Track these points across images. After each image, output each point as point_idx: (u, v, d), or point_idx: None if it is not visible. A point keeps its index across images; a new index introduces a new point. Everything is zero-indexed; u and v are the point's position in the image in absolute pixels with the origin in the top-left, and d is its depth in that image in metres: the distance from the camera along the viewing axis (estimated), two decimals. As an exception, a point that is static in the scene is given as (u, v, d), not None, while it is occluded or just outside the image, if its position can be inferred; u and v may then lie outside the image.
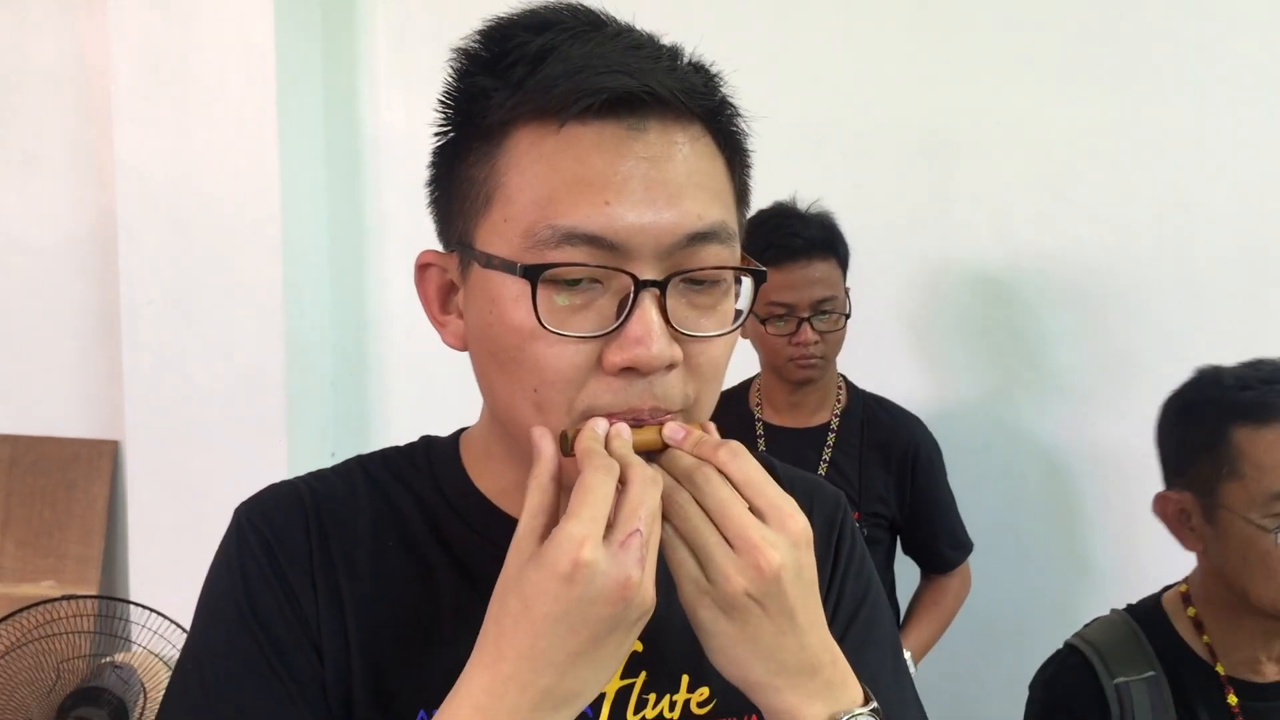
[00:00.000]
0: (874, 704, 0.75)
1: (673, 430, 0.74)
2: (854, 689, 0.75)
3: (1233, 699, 1.40)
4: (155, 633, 2.16)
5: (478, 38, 0.77)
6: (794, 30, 2.56)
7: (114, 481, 2.83)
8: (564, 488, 0.72)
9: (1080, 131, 2.44)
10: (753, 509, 0.71)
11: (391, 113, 2.76)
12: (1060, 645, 1.56)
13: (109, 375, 2.78)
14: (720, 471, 0.72)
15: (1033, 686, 1.52)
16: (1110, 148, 2.43)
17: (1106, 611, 1.57)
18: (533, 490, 0.71)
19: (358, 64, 2.77)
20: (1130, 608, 1.54)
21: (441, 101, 0.79)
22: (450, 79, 0.78)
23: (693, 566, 0.71)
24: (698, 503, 0.71)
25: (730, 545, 0.70)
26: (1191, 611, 1.47)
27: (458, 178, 0.78)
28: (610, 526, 0.68)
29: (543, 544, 0.68)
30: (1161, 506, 1.49)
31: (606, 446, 0.72)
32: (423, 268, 0.83)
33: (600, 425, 0.72)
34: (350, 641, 0.80)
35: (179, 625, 2.12)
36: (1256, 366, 1.43)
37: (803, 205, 2.10)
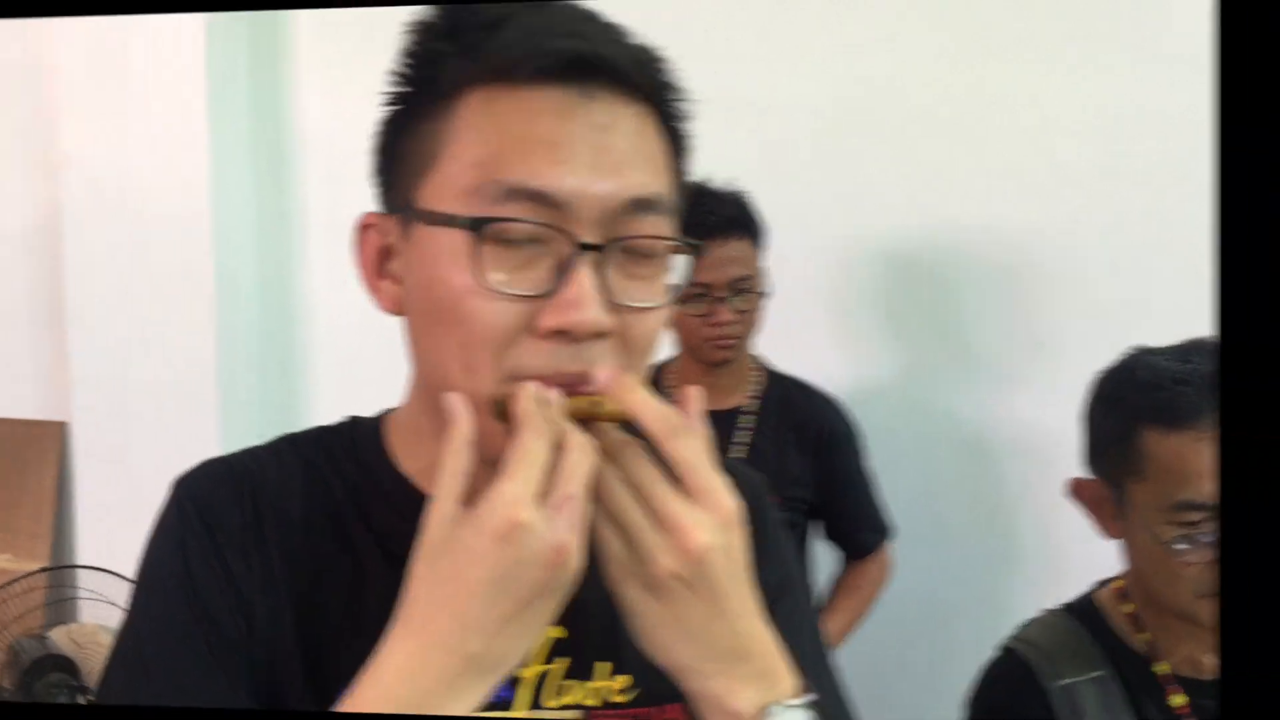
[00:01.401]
0: (811, 695, 0.75)
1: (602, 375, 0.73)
2: (788, 679, 0.75)
3: (1176, 699, 1.35)
4: (102, 598, 2.31)
5: (434, 11, 0.78)
6: (703, 5, 2.49)
7: (62, 461, 2.94)
8: (488, 459, 0.71)
9: (1000, 102, 2.40)
10: (683, 488, 0.71)
11: (315, 108, 2.79)
12: (982, 630, 1.51)
13: (56, 360, 2.90)
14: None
15: (969, 704, 1.45)
16: (1034, 119, 2.39)
17: (1029, 597, 1.54)
18: (450, 453, 0.71)
19: (282, 63, 2.82)
20: (1068, 605, 1.48)
21: (393, 71, 0.80)
22: (403, 52, 0.79)
23: (618, 546, 0.71)
24: (625, 480, 0.72)
25: (658, 525, 0.70)
26: (1128, 608, 1.41)
27: (404, 142, 0.79)
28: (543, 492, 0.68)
29: (472, 506, 0.68)
30: (1077, 491, 1.43)
31: None
32: (364, 228, 0.84)
33: (536, 389, 0.72)
34: (283, 622, 0.80)
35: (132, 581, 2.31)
36: (1184, 357, 1.34)
37: (716, 184, 2.05)
